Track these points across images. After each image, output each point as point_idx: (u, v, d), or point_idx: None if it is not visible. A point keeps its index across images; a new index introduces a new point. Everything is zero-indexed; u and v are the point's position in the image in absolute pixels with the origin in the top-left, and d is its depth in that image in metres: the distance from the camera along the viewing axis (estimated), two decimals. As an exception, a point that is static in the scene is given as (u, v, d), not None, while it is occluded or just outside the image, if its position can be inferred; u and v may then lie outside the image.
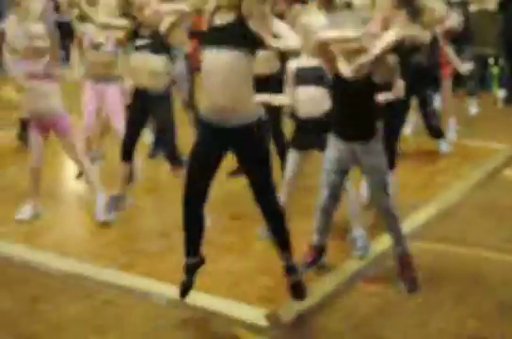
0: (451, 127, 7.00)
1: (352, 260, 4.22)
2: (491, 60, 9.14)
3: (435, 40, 6.03)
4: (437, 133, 6.43)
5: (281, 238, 3.54)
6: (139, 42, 4.45)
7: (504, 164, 6.25)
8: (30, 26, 4.65)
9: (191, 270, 3.57)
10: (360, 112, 3.73)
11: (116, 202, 4.78)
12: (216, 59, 3.20)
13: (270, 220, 3.51)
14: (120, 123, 5.28)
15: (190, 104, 6.25)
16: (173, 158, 4.62)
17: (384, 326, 3.48)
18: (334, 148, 3.82)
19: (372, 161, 3.77)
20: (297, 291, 3.59)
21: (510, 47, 8.53)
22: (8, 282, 3.68)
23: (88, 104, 5.46)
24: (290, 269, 3.57)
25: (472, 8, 9.30)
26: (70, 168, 5.88)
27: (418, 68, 5.82)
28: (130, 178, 4.82)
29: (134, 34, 4.49)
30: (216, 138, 3.34)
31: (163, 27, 4.40)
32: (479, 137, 7.03)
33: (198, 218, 3.49)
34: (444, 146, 6.50)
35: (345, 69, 3.67)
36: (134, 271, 4.09)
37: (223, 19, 3.25)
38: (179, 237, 4.51)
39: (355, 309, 3.65)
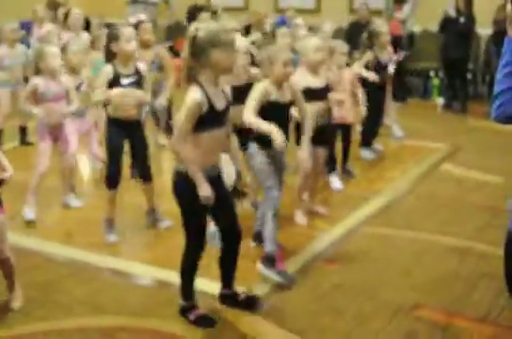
0: (396, 128, 7.15)
1: (313, 244, 4.33)
2: (432, 73, 9.35)
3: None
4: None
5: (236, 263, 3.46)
6: (124, 81, 4.27)
7: (442, 160, 6.40)
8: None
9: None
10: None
11: (110, 225, 4.54)
12: (220, 135, 3.20)
13: (233, 242, 3.41)
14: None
15: (168, 130, 6.30)
16: (147, 176, 4.56)
17: (341, 299, 3.60)
18: (261, 154, 3.82)
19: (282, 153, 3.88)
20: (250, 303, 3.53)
21: (448, 62, 8.73)
22: (22, 270, 3.71)
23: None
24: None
25: (417, 28, 9.58)
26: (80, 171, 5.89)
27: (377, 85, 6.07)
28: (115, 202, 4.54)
29: (116, 75, 4.26)
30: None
31: None
32: (422, 138, 7.17)
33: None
34: (367, 153, 6.38)
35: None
36: (130, 259, 4.19)
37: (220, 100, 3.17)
38: (163, 229, 4.63)
39: (317, 285, 3.77)
